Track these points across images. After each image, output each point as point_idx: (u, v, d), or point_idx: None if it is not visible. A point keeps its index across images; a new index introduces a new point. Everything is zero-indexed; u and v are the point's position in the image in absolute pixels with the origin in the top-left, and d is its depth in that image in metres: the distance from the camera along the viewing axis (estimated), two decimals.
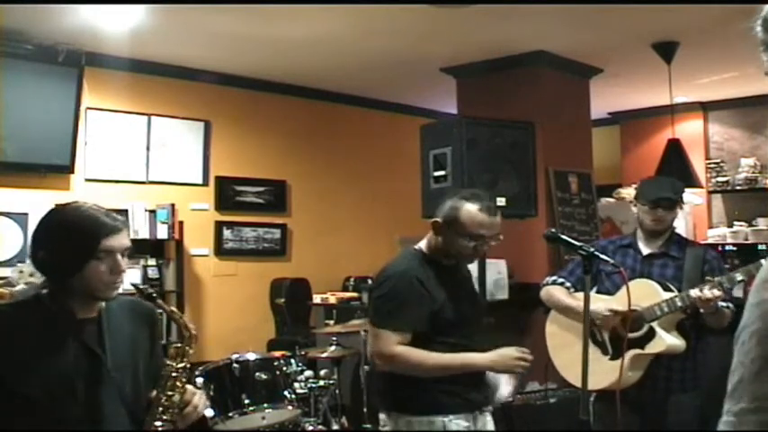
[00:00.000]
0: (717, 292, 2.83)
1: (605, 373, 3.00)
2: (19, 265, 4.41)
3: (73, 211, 1.93)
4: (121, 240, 1.92)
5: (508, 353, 2.65)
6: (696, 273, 3.05)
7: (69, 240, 1.87)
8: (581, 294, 3.14)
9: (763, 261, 2.81)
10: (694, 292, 2.88)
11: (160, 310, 2.06)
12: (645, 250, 3.18)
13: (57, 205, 1.98)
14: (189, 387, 2.01)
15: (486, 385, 2.82)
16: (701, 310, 2.90)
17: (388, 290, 2.64)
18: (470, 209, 2.60)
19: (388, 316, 2.60)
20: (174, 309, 2.03)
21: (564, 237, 2.48)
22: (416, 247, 2.77)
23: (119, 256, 1.91)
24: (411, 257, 2.72)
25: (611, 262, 2.66)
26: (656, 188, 3.20)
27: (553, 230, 2.56)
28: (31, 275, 4.40)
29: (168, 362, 1.97)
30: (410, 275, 2.63)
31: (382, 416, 2.72)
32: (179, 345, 1.99)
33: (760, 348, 0.87)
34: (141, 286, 2.01)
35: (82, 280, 1.87)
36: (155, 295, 1.98)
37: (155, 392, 1.95)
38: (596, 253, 2.48)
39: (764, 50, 0.99)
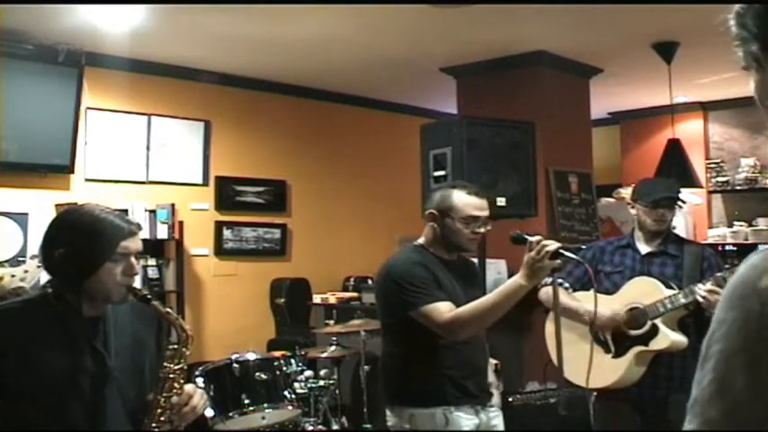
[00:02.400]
0: (720, 289, 2.84)
1: (608, 371, 3.00)
2: (10, 269, 4.39)
3: (88, 213, 1.93)
4: (137, 243, 1.94)
5: (530, 258, 2.53)
6: (696, 270, 3.07)
7: (86, 242, 1.87)
8: (580, 294, 3.16)
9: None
10: (698, 288, 2.89)
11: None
12: (643, 250, 3.19)
13: (66, 205, 1.98)
14: (188, 387, 2.01)
15: (487, 382, 2.83)
16: (705, 307, 2.91)
17: (401, 275, 2.67)
18: (461, 193, 2.75)
19: (420, 293, 2.62)
20: (169, 310, 2.02)
21: (527, 236, 2.56)
22: (416, 243, 2.83)
23: (132, 259, 1.92)
24: (412, 251, 2.80)
25: (575, 258, 2.73)
26: (656, 188, 3.22)
27: (518, 232, 2.62)
28: (22, 280, 4.40)
29: (165, 363, 1.96)
30: (414, 261, 2.70)
31: (387, 411, 2.76)
32: (175, 346, 1.99)
33: (715, 373, 0.82)
34: (136, 288, 1.98)
35: (96, 281, 1.87)
36: (149, 297, 1.97)
37: (152, 394, 1.95)
38: (562, 250, 2.52)
39: (739, 45, 0.98)
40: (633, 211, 3.24)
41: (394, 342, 2.80)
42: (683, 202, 3.25)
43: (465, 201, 2.73)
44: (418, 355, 2.70)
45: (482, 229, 2.76)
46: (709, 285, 2.87)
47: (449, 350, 2.67)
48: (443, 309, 2.59)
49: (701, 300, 2.87)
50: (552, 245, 2.49)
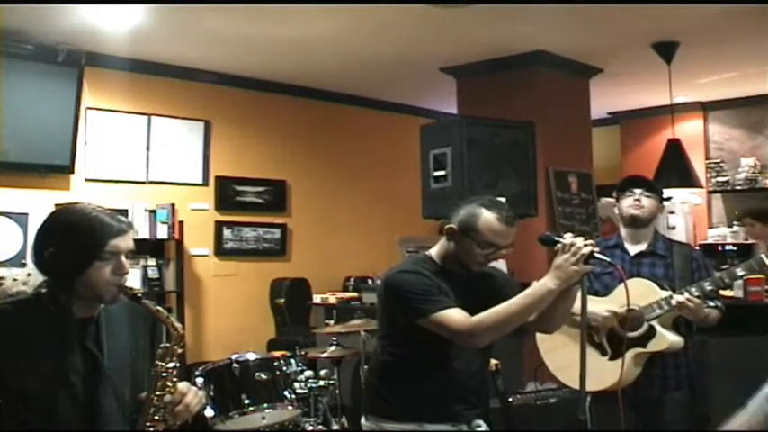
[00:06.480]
0: (696, 299, 2.88)
1: (605, 373, 3.00)
2: (14, 271, 4.40)
3: (79, 212, 1.93)
4: (127, 242, 1.92)
5: (563, 260, 2.37)
6: (686, 271, 3.07)
7: (75, 240, 1.87)
8: None
9: (763, 256, 2.83)
10: (694, 289, 2.90)
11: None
12: (632, 250, 3.19)
13: (61, 206, 1.98)
14: (181, 385, 1.99)
15: (477, 398, 2.69)
16: (681, 313, 2.93)
17: (401, 284, 2.52)
18: (489, 218, 2.50)
19: (427, 300, 2.46)
20: (159, 308, 1.99)
21: (558, 238, 2.44)
22: (426, 253, 2.68)
23: (123, 258, 1.91)
24: (419, 262, 2.63)
25: (607, 261, 2.62)
26: (629, 178, 3.34)
27: (548, 233, 2.50)
28: (24, 284, 4.42)
29: (158, 362, 1.95)
30: (414, 270, 2.55)
31: (362, 419, 2.67)
32: (167, 345, 1.97)
33: None
34: (127, 287, 1.95)
35: (85, 281, 1.86)
36: (140, 296, 1.95)
37: (145, 393, 1.94)
38: (596, 254, 2.45)
39: None
40: (617, 211, 3.26)
41: (384, 352, 2.68)
42: (662, 195, 3.26)
43: (493, 228, 2.49)
44: (404, 368, 2.59)
45: (495, 257, 2.57)
46: (707, 285, 2.90)
47: (437, 365, 2.56)
48: (459, 315, 2.43)
49: (675, 304, 2.88)
50: (586, 247, 2.36)
